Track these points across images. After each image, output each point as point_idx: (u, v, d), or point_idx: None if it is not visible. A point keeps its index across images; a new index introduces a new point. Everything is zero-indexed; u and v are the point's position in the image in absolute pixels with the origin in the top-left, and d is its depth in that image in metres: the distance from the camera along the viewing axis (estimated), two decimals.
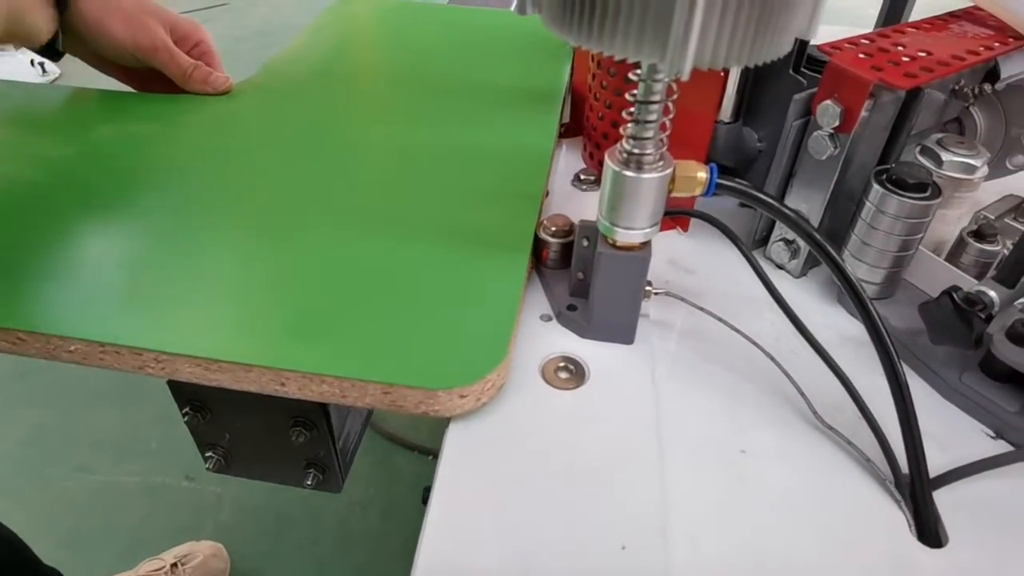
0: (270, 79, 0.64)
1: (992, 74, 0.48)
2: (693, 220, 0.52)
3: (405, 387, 0.34)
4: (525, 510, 0.33)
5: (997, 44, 0.47)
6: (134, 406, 1.38)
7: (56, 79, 2.46)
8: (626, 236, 0.37)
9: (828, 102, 0.42)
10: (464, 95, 0.62)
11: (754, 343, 0.41)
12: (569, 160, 0.63)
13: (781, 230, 0.49)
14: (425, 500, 0.35)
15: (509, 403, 0.38)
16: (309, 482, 0.46)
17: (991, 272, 0.43)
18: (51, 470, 1.27)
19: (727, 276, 0.49)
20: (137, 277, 0.41)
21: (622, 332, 0.42)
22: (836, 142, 0.43)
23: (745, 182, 0.37)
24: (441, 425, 0.37)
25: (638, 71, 0.33)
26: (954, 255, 0.45)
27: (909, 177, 0.41)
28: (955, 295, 0.38)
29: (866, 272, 0.44)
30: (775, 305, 0.41)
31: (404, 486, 1.27)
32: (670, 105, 0.34)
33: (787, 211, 0.36)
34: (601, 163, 0.58)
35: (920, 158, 0.45)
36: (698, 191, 0.36)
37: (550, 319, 0.44)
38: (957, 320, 0.38)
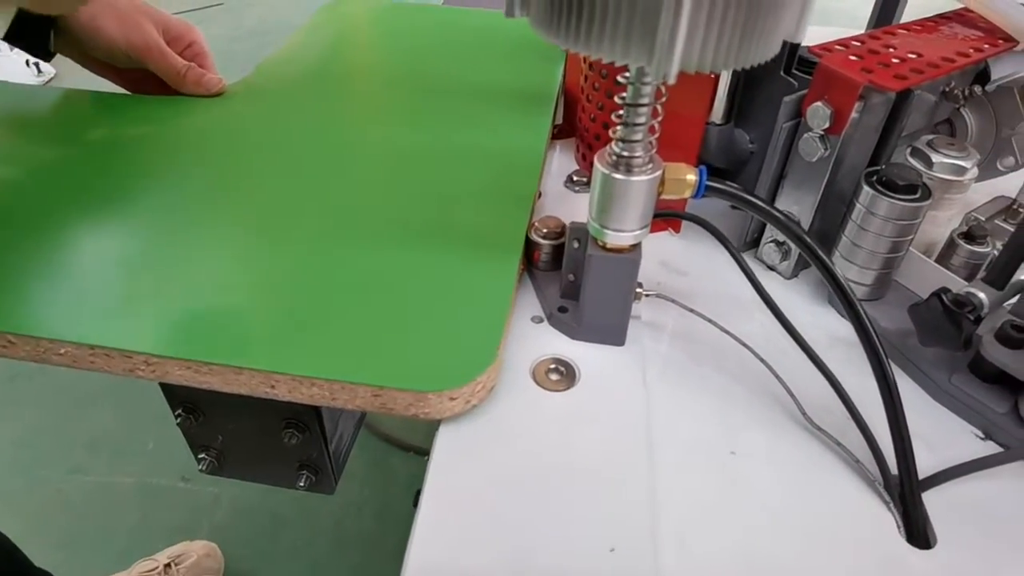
0: (263, 80, 0.64)
1: (982, 76, 0.48)
2: (685, 222, 0.52)
3: (395, 389, 0.34)
4: (515, 512, 0.33)
5: (987, 46, 0.47)
6: (129, 407, 1.38)
7: (51, 80, 2.45)
8: (616, 238, 0.37)
9: (818, 104, 0.42)
10: (457, 96, 0.62)
11: (744, 344, 0.41)
12: (562, 161, 0.63)
13: (772, 231, 0.49)
14: (416, 503, 0.35)
15: (500, 405, 0.38)
16: (302, 484, 0.46)
17: (980, 274, 0.43)
18: (45, 472, 1.27)
19: (718, 277, 0.49)
20: (128, 279, 0.41)
21: (613, 334, 0.42)
22: (826, 144, 0.43)
23: (735, 184, 0.37)
24: (437, 426, 0.37)
25: (627, 74, 0.33)
26: (944, 256, 0.45)
27: (899, 179, 0.41)
28: (944, 297, 0.38)
29: (856, 273, 0.44)
30: (766, 306, 0.41)
31: (399, 487, 1.27)
32: (659, 108, 0.34)
33: (776, 213, 0.36)
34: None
35: (910, 160, 0.45)
36: (687, 193, 0.36)
37: (541, 321, 0.44)
38: (946, 322, 0.38)
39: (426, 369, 0.35)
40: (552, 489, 0.34)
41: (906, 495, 0.34)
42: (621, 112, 0.34)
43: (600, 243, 0.38)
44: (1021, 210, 0.48)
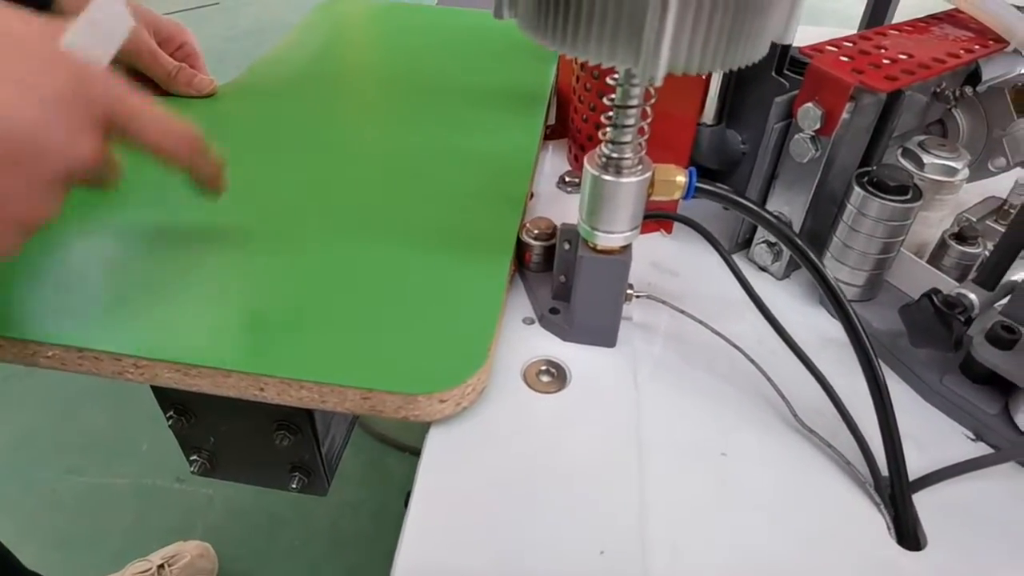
0: (255, 81, 0.64)
1: (974, 76, 0.48)
2: (676, 222, 0.52)
3: (384, 392, 0.34)
4: (505, 514, 0.33)
5: (978, 47, 0.47)
6: (123, 407, 1.38)
7: None
8: (606, 240, 0.37)
9: (809, 105, 0.42)
10: (450, 96, 0.62)
11: (735, 346, 0.41)
12: (554, 162, 0.63)
13: (764, 232, 0.49)
14: (406, 504, 0.35)
15: (490, 407, 0.38)
16: (294, 485, 0.46)
17: (971, 274, 0.43)
18: (39, 473, 1.26)
19: (710, 278, 0.49)
20: (116, 282, 0.40)
21: (604, 335, 0.42)
22: (817, 144, 0.43)
23: (724, 186, 0.37)
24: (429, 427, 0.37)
25: (616, 75, 0.33)
26: (936, 257, 0.45)
27: (890, 180, 0.41)
28: (935, 298, 0.38)
29: (847, 274, 0.44)
30: (756, 307, 0.41)
31: (395, 487, 1.27)
32: (648, 109, 0.34)
33: (765, 214, 0.36)
34: None
35: (901, 160, 0.45)
36: (677, 195, 0.36)
37: (532, 322, 0.44)
38: (937, 323, 0.38)
39: (416, 371, 0.35)
40: (542, 491, 0.34)
41: (896, 497, 0.34)
42: (610, 113, 0.34)
43: (591, 245, 0.38)
44: (1012, 211, 0.48)
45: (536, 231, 0.45)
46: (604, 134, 0.35)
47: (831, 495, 0.35)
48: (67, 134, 0.30)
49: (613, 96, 0.34)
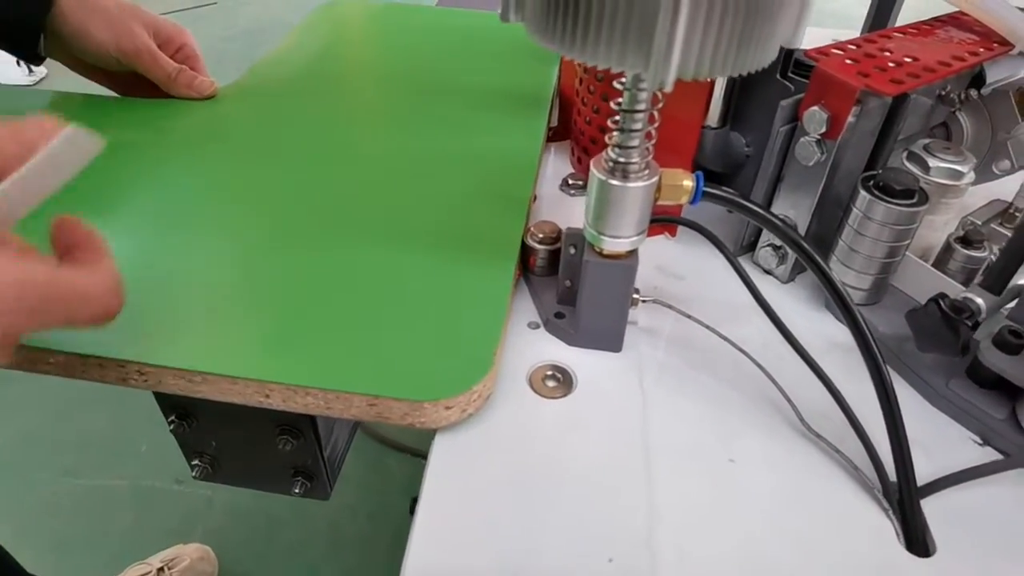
0: (256, 83, 0.64)
1: (978, 79, 0.48)
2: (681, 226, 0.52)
3: (391, 399, 0.34)
4: (512, 522, 0.33)
5: (982, 50, 0.47)
6: (122, 409, 1.37)
7: (42, 80, 2.43)
8: (613, 244, 0.37)
9: (815, 108, 0.42)
10: (452, 98, 0.62)
11: (741, 350, 0.41)
12: (557, 164, 0.62)
13: (769, 236, 0.49)
14: (412, 511, 0.34)
15: (496, 413, 0.38)
16: (297, 490, 0.46)
17: (977, 278, 0.43)
18: (37, 475, 1.26)
19: (715, 282, 0.49)
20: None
21: (610, 340, 0.42)
22: (823, 148, 0.43)
23: (731, 190, 0.37)
24: (432, 430, 0.37)
25: (623, 80, 0.33)
26: (941, 261, 0.45)
27: (896, 183, 0.40)
28: (942, 302, 0.38)
29: (853, 278, 0.44)
30: (763, 311, 0.41)
31: (395, 489, 1.27)
32: (655, 114, 0.34)
33: (774, 220, 0.36)
34: (589, 169, 0.59)
35: (907, 164, 0.45)
36: (684, 199, 0.36)
37: (538, 327, 0.44)
38: (944, 327, 0.38)
39: (422, 378, 0.35)
40: (549, 498, 0.34)
41: (905, 502, 0.34)
42: (617, 118, 0.34)
43: (597, 249, 0.38)
44: (1018, 214, 0.48)
45: (541, 235, 0.45)
46: (611, 138, 0.35)
47: (839, 500, 0.35)
48: None
49: (620, 100, 0.33)
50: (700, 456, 0.37)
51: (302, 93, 0.63)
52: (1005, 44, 0.49)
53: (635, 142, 0.34)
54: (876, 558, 0.33)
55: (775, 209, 0.48)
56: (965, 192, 0.45)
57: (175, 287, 0.40)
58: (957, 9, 0.52)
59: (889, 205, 0.41)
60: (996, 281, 0.39)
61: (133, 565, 1.06)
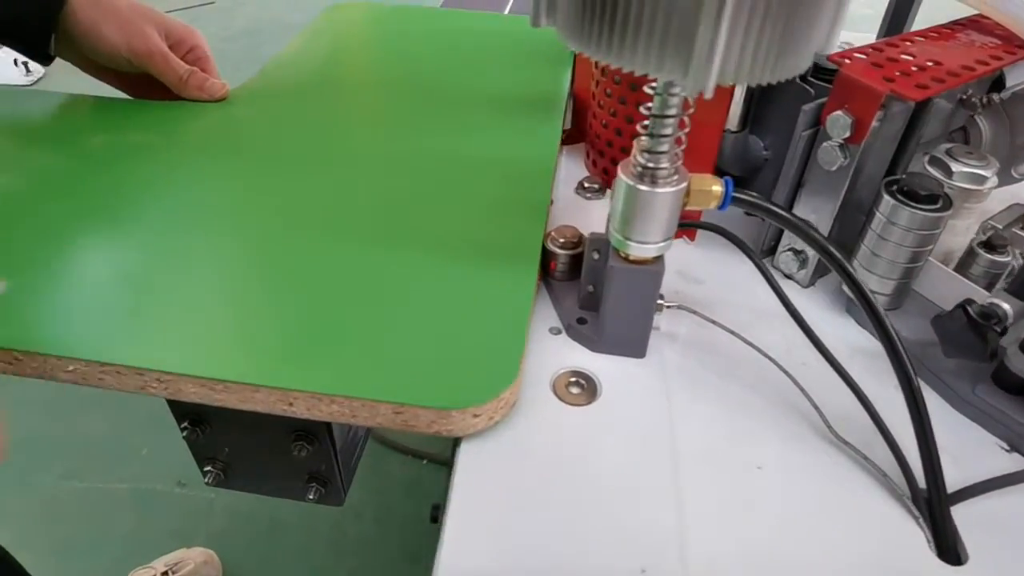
0: (267, 85, 0.63)
1: (998, 83, 0.48)
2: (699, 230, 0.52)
3: (417, 407, 0.34)
4: (541, 532, 0.33)
5: (1005, 54, 0.47)
6: (124, 411, 1.36)
7: (39, 79, 2.42)
8: (639, 250, 0.37)
9: (839, 113, 0.42)
10: (464, 101, 0.61)
11: (767, 356, 0.41)
12: (570, 167, 0.62)
13: (790, 240, 0.48)
14: (434, 519, 0.34)
15: (521, 420, 0.37)
16: (311, 496, 0.46)
17: (1001, 283, 0.42)
18: (38, 478, 1.25)
19: (735, 286, 0.48)
20: (137, 293, 0.40)
21: (634, 346, 0.41)
22: (846, 152, 0.42)
23: (760, 195, 0.36)
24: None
25: (654, 84, 0.32)
26: (963, 265, 0.45)
27: (920, 188, 0.40)
28: (969, 309, 0.38)
29: (876, 283, 0.44)
30: (785, 316, 0.40)
31: (398, 491, 1.26)
32: (686, 119, 0.34)
33: (807, 228, 0.36)
34: (605, 171, 0.58)
35: (929, 169, 0.45)
36: (713, 205, 0.36)
37: (559, 332, 0.43)
38: (972, 334, 0.38)
39: (448, 385, 0.35)
40: (578, 506, 0.34)
41: (935, 510, 0.34)
42: (646, 122, 0.34)
43: (622, 255, 0.38)
44: None
45: (562, 239, 0.44)
46: (639, 143, 0.34)
47: (869, 508, 0.35)
48: None
49: (650, 105, 0.33)
50: (727, 463, 0.36)
51: (314, 96, 0.62)
52: None
53: (665, 147, 0.34)
54: (907, 566, 0.32)
55: (796, 213, 0.47)
56: (987, 197, 0.44)
57: (193, 293, 0.40)
58: (976, 12, 0.51)
59: (914, 210, 0.40)
60: (1022, 286, 0.39)
61: (136, 569, 1.05)
